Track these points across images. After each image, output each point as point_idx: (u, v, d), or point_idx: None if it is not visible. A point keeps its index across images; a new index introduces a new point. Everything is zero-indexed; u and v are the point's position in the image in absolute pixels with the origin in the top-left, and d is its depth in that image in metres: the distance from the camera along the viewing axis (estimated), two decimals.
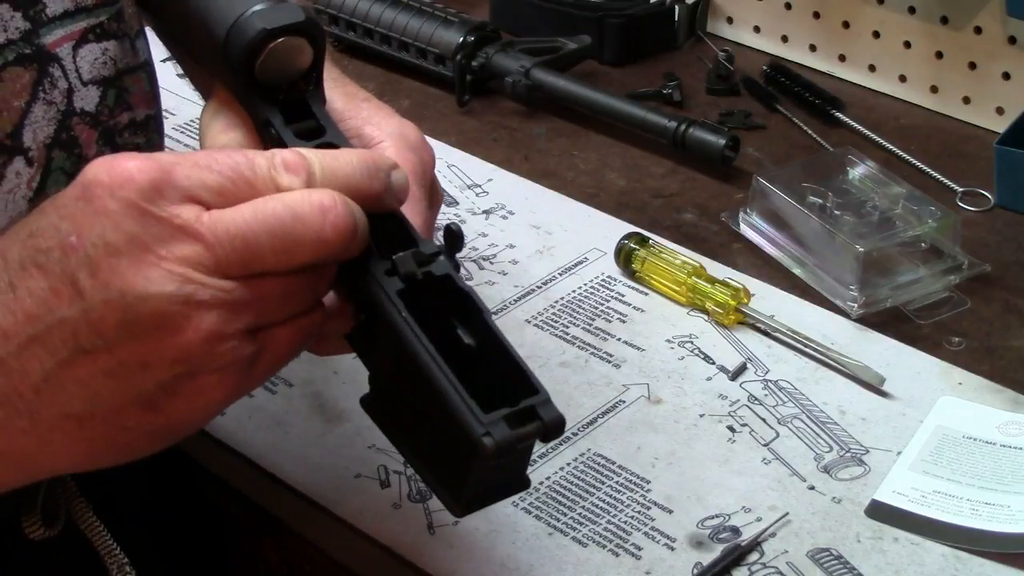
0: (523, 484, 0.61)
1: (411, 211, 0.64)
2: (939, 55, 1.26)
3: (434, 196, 0.69)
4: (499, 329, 0.58)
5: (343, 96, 0.72)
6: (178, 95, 1.23)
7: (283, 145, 0.62)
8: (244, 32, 0.61)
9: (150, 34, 0.78)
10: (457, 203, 1.15)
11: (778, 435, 0.90)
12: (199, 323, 0.54)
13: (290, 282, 0.56)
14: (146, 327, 0.54)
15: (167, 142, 1.21)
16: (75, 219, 0.55)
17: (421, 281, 0.58)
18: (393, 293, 0.57)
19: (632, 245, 1.04)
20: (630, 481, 0.87)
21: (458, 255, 0.61)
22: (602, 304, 1.03)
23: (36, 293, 0.55)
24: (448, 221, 0.67)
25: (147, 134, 0.76)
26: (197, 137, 0.75)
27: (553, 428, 0.56)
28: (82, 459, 0.59)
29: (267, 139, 0.63)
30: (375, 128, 0.69)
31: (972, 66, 1.24)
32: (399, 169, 0.60)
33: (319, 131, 0.63)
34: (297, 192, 0.56)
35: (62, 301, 0.54)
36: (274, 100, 0.63)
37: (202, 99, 0.77)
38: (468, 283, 0.60)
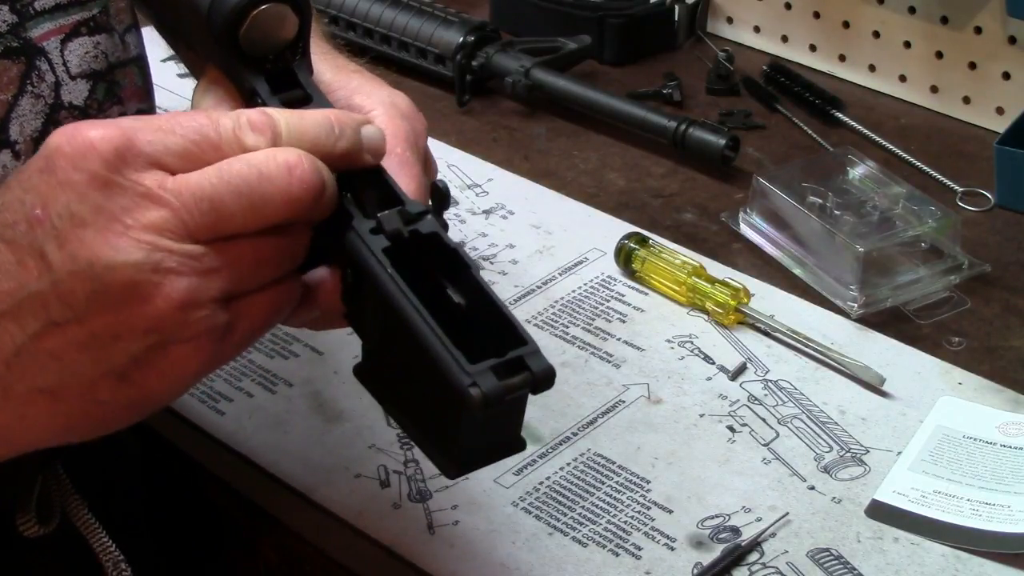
0: (518, 444, 0.59)
1: (405, 176, 0.63)
2: (939, 55, 1.26)
3: (428, 164, 0.69)
4: (488, 284, 0.57)
5: (333, 68, 0.71)
6: (177, 94, 1.23)
7: None
8: (227, 0, 0.61)
9: (151, 34, 0.78)
10: (457, 203, 1.14)
11: (778, 435, 0.90)
12: (169, 291, 0.53)
13: (261, 244, 0.56)
14: (116, 297, 0.53)
15: None
16: (39, 191, 0.54)
17: (407, 239, 0.58)
18: (379, 251, 0.57)
19: (632, 245, 1.04)
20: (630, 481, 0.87)
21: (446, 213, 0.60)
22: (602, 304, 1.03)
23: (4, 267, 0.55)
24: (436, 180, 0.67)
25: None
26: None
27: (542, 378, 0.55)
28: (57, 432, 0.58)
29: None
30: (365, 97, 0.68)
31: (972, 66, 1.24)
32: (371, 125, 0.60)
33: (306, 100, 0.63)
34: (262, 152, 0.55)
35: (31, 274, 0.54)
36: (260, 70, 0.63)
37: None
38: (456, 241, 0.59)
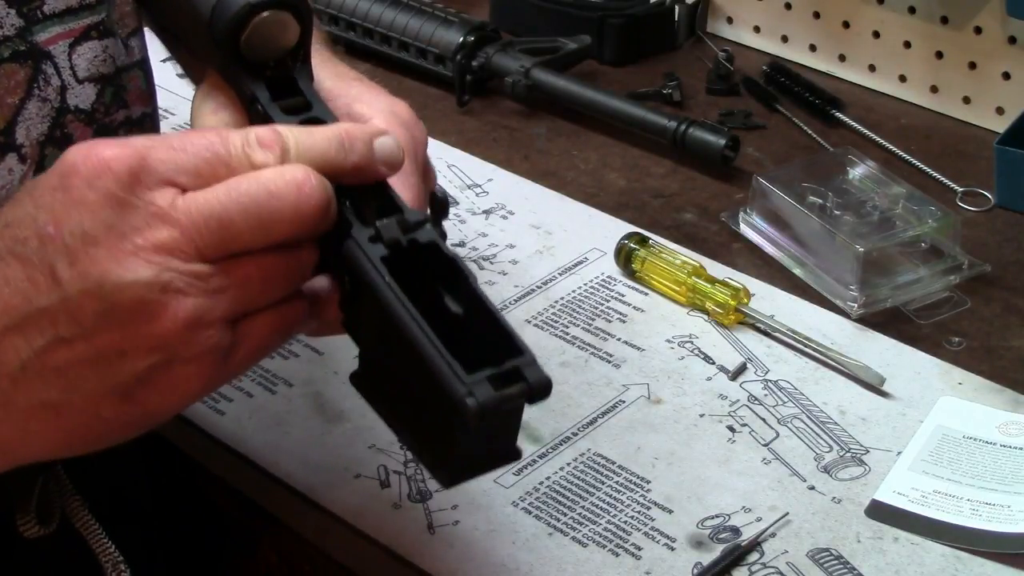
0: (513, 454, 0.59)
1: (403, 185, 0.63)
2: (939, 55, 1.26)
3: (427, 173, 0.69)
4: (485, 295, 0.57)
5: (333, 75, 0.71)
6: (177, 95, 1.23)
7: (270, 122, 0.61)
8: (228, 6, 0.61)
9: (150, 35, 0.78)
10: (457, 203, 1.15)
11: (778, 435, 0.90)
12: (176, 310, 0.54)
13: (268, 264, 0.56)
14: (124, 315, 0.54)
15: None
16: (52, 209, 0.55)
17: (406, 248, 0.58)
18: (377, 259, 0.57)
19: (632, 245, 1.04)
20: (630, 481, 0.87)
21: (445, 221, 0.60)
22: (602, 304, 1.03)
23: (13, 283, 0.55)
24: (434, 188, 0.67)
25: (143, 131, 0.76)
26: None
27: (539, 389, 0.55)
28: (57, 447, 0.59)
29: (254, 116, 0.63)
30: (365, 106, 0.69)
31: (972, 66, 1.24)
32: (387, 136, 0.60)
33: (306, 107, 0.63)
34: (271, 169, 0.56)
35: (40, 290, 0.55)
36: (260, 76, 0.63)
37: None
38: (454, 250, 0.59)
